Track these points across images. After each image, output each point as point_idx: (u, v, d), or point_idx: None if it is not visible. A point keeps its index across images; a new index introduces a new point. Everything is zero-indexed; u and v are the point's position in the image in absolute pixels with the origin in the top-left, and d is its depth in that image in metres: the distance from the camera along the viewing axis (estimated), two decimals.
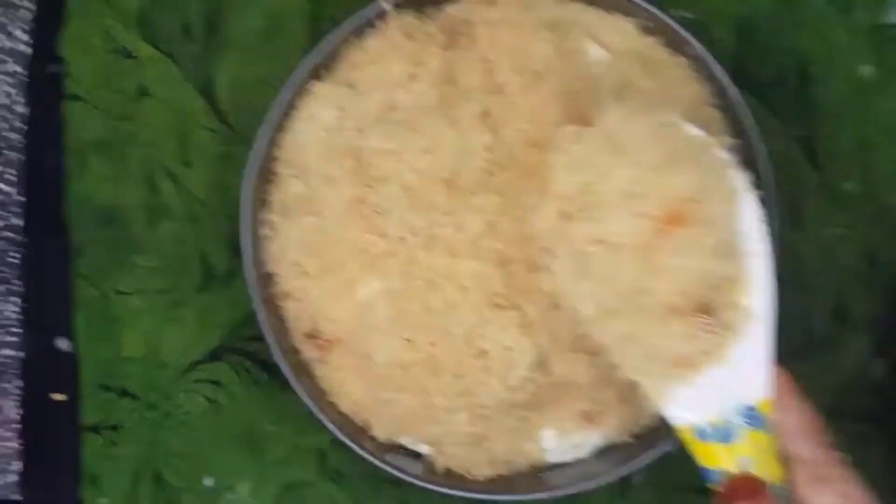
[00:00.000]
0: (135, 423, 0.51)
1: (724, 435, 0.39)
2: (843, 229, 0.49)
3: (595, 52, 0.46)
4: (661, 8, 0.45)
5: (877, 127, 0.49)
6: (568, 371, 0.44)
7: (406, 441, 0.47)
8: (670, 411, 0.40)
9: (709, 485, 0.39)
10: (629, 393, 0.44)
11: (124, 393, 0.51)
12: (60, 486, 0.51)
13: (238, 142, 0.51)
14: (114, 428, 0.51)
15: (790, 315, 0.48)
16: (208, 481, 0.51)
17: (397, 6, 0.45)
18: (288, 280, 0.46)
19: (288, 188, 0.46)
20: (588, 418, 0.46)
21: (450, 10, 0.46)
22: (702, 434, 0.39)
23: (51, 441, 0.51)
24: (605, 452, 0.46)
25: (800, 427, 0.39)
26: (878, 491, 0.47)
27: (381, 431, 0.46)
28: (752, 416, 0.39)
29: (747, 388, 0.39)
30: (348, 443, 0.45)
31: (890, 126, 0.49)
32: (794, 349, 0.49)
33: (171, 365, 0.51)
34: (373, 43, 0.46)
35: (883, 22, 0.48)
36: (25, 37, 0.52)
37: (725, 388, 0.39)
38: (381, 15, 0.45)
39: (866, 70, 0.49)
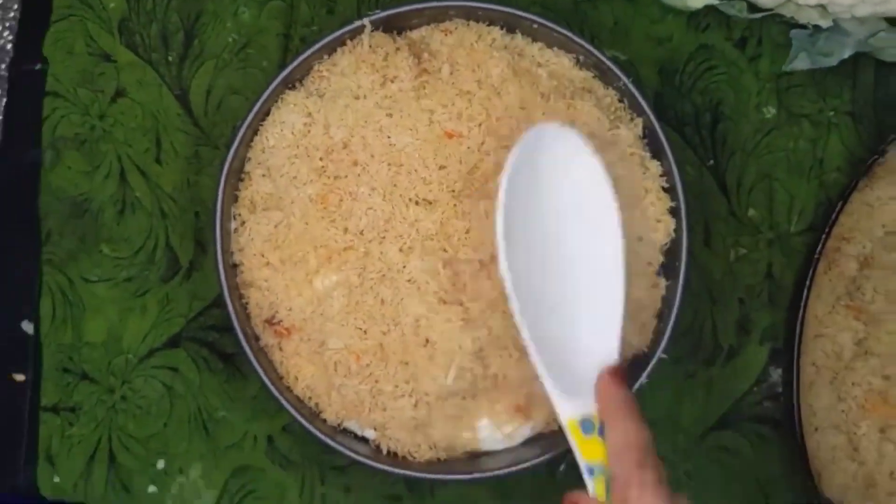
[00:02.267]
0: (92, 405, 0.53)
1: (602, 429, 0.41)
2: (747, 250, 0.55)
3: (543, 75, 0.50)
4: (595, 46, 0.50)
5: (777, 162, 0.55)
6: (503, 366, 0.48)
7: (353, 426, 0.50)
8: (560, 406, 0.43)
9: (586, 479, 0.41)
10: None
11: (84, 376, 0.53)
12: (16, 463, 0.53)
13: (209, 144, 0.55)
14: (72, 410, 0.53)
15: (701, 325, 0.54)
16: (160, 464, 0.53)
17: (371, 29, 0.50)
18: (252, 270, 0.49)
19: (257, 186, 0.50)
20: (520, 411, 0.49)
21: (412, 34, 0.51)
22: (585, 428, 0.42)
23: (9, 419, 0.53)
24: (535, 440, 0.50)
25: (618, 446, 0.39)
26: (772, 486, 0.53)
27: (331, 415, 0.49)
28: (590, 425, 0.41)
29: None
30: (304, 423, 0.48)
31: (788, 162, 0.55)
32: (706, 356, 0.54)
33: (131, 351, 0.54)
34: (344, 57, 0.50)
35: (784, 71, 0.55)
36: (10, 35, 0.55)
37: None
38: (353, 34, 0.50)
39: (769, 112, 0.56)
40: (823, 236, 0.52)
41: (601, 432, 0.41)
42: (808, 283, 0.52)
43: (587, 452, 0.41)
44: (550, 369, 0.43)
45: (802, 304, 0.52)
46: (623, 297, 0.45)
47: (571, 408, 0.42)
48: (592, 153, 0.45)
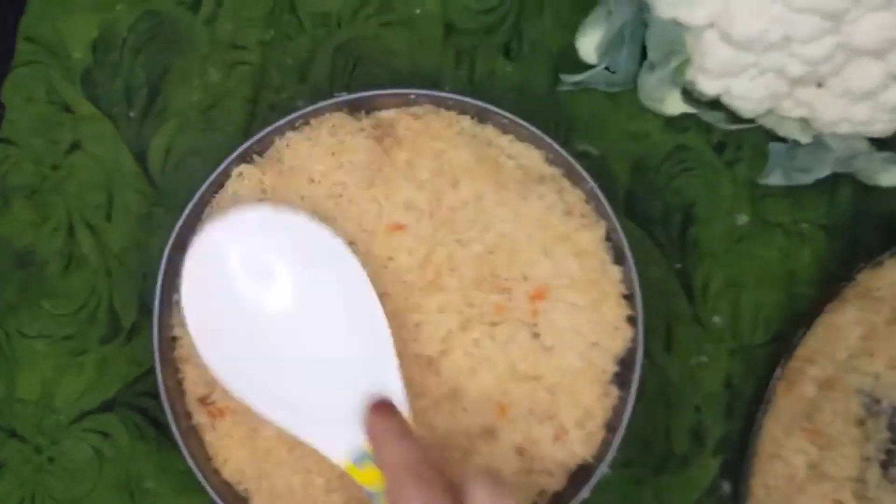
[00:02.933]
0: (18, 464, 0.52)
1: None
2: (707, 358, 0.54)
3: (510, 165, 0.50)
4: (564, 144, 0.49)
5: (745, 270, 0.54)
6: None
7: None
8: (332, 456, 0.43)
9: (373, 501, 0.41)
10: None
11: (13, 433, 0.52)
12: None
13: (163, 206, 0.53)
14: None
15: (654, 429, 0.53)
16: None
17: (336, 108, 0.49)
18: (190, 346, 0.47)
19: None
20: None
21: (381, 114, 0.50)
22: (358, 461, 0.42)
23: None
24: None
25: (391, 468, 0.40)
26: None
27: (260, 503, 0.48)
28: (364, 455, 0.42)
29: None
30: None
31: (757, 271, 0.54)
32: (656, 462, 0.53)
33: (63, 411, 0.52)
34: (304, 136, 0.49)
35: (760, 181, 0.54)
36: None
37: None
38: (316, 113, 0.49)
39: (742, 219, 0.54)
40: (785, 357, 0.51)
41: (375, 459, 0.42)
42: (763, 405, 0.50)
43: (368, 481, 0.42)
44: (304, 427, 0.44)
45: (757, 423, 0.50)
46: (384, 326, 0.44)
47: (341, 453, 0.43)
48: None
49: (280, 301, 0.44)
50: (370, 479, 0.42)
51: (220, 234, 0.44)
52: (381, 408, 0.43)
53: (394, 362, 0.44)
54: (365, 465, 0.42)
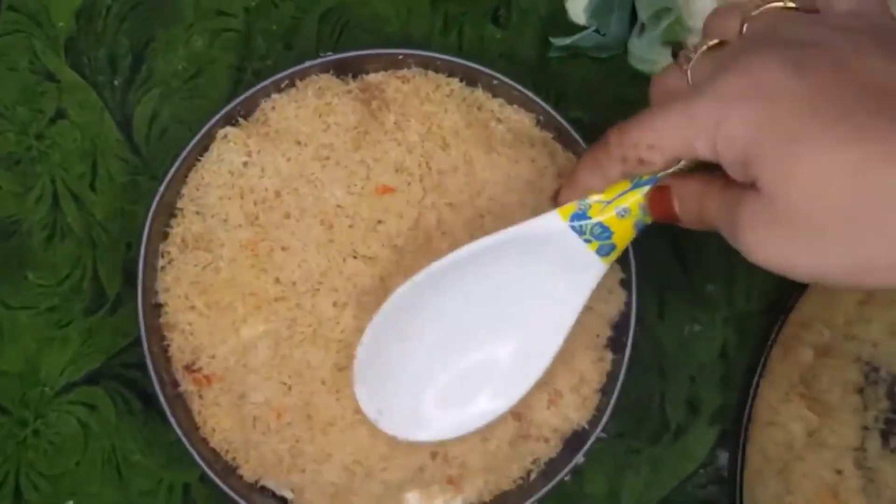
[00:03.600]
0: (2, 438, 0.51)
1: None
2: (702, 327, 0.53)
3: (501, 130, 0.49)
4: (555, 107, 0.48)
5: None
6: None
7: (271, 484, 0.48)
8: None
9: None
10: (494, 460, 0.47)
11: None
12: None
13: (147, 174, 0.52)
14: None
15: (649, 400, 0.52)
16: None
17: (322, 69, 0.48)
18: (176, 312, 0.47)
19: (188, 224, 0.47)
20: (452, 482, 0.47)
21: (369, 77, 0.49)
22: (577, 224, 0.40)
23: None
24: None
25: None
26: None
27: (248, 472, 0.47)
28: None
29: None
30: (215, 480, 0.46)
31: None
32: (652, 433, 0.52)
33: (48, 384, 0.51)
34: (290, 97, 0.48)
35: None
36: None
37: None
38: (304, 74, 0.48)
39: None
40: (780, 322, 0.50)
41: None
42: (759, 368, 0.50)
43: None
44: None
45: (752, 389, 0.50)
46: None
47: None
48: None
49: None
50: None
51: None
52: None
53: None
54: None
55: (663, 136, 0.35)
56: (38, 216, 0.52)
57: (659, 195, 0.39)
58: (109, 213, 0.52)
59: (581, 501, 0.51)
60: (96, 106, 0.53)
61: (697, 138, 0.33)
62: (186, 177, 0.48)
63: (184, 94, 0.53)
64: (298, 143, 0.47)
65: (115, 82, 0.53)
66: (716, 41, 0.36)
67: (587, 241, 0.41)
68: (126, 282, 0.51)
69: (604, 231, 0.41)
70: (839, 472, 0.50)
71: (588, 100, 0.54)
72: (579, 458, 0.47)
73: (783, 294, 0.53)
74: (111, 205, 0.52)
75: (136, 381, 0.51)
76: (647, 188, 0.39)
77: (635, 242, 0.48)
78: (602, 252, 0.42)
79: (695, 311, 0.53)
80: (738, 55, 0.33)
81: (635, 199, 0.40)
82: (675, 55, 0.50)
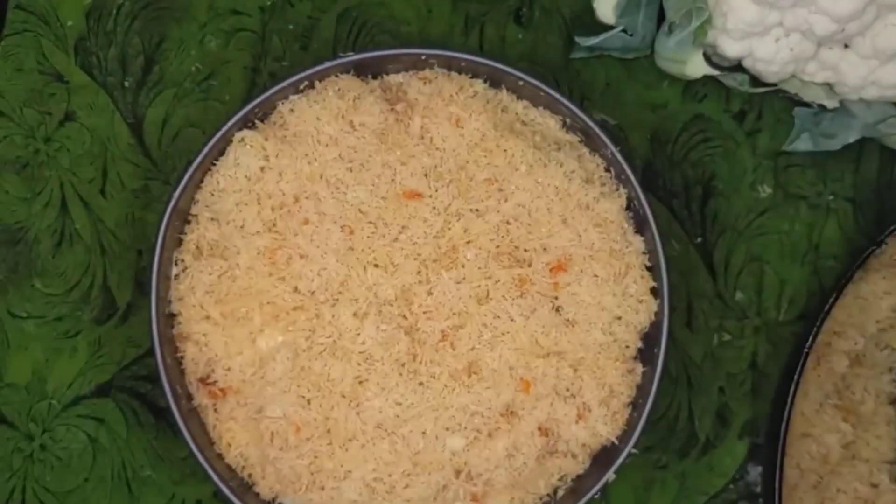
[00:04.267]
0: (8, 453, 0.49)
1: None
2: (731, 336, 0.51)
3: (527, 134, 0.47)
4: (583, 109, 0.47)
5: (769, 245, 0.52)
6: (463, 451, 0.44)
7: (288, 502, 0.46)
8: None
9: None
10: (519, 477, 0.45)
11: (2, 420, 0.49)
12: None
13: (159, 178, 0.51)
14: None
15: (677, 412, 0.50)
16: None
17: (343, 69, 0.46)
18: (190, 322, 0.45)
19: (203, 231, 0.46)
20: (476, 500, 0.46)
21: (389, 78, 0.48)
22: None
23: None
24: None
25: None
26: None
27: (265, 489, 0.45)
28: None
29: None
30: (231, 497, 0.44)
31: (781, 245, 0.52)
32: (679, 446, 0.50)
33: (56, 396, 0.49)
34: (310, 99, 0.46)
35: (784, 150, 0.52)
36: None
37: None
38: (322, 75, 0.46)
39: (765, 190, 0.52)
40: (815, 330, 0.48)
41: None
42: (795, 377, 0.48)
43: None
44: None
45: (789, 400, 0.48)
46: None
47: None
48: None
49: None
50: None
51: None
52: None
53: None
54: None
55: None
56: (45, 222, 0.50)
57: None
58: (120, 220, 0.50)
59: None
60: (106, 108, 0.51)
61: None
62: (201, 182, 0.46)
63: (197, 96, 0.51)
64: (319, 144, 0.45)
65: (126, 83, 0.51)
66: None
67: None
68: (137, 290, 0.50)
69: None
70: (875, 486, 0.48)
71: (613, 102, 0.52)
72: (610, 476, 0.45)
73: (814, 303, 0.51)
74: (122, 211, 0.50)
75: (146, 394, 0.49)
76: None
77: (663, 252, 0.46)
78: None
79: (723, 320, 0.51)
80: None
81: None
82: (708, 59, 0.49)
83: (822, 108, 0.50)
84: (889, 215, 0.52)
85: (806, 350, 0.48)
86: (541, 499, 0.46)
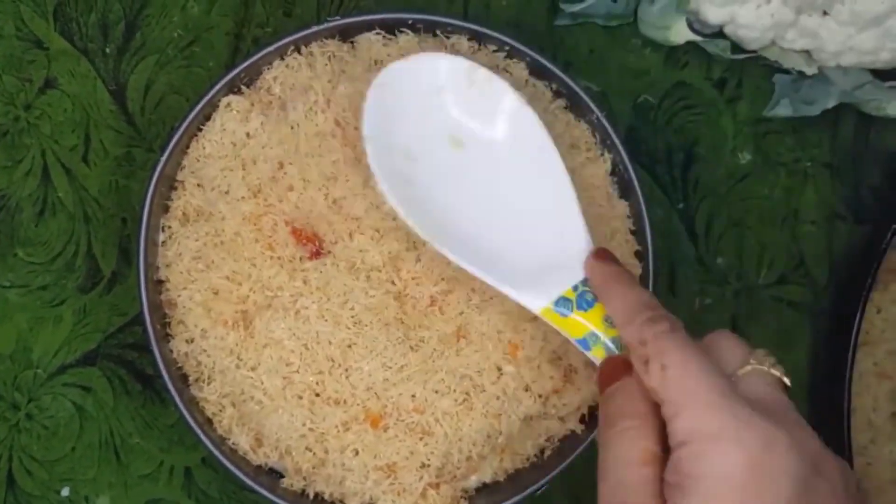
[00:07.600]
0: None
1: (581, 304, 0.40)
2: (712, 300, 0.52)
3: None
4: (568, 75, 0.47)
5: (749, 210, 0.53)
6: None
7: (278, 466, 0.46)
8: (528, 302, 0.41)
9: (586, 354, 0.40)
10: (508, 438, 0.45)
11: None
12: None
13: (142, 146, 0.50)
14: None
15: None
16: (65, 491, 0.49)
17: (329, 34, 0.46)
18: (178, 289, 0.45)
19: (189, 197, 0.45)
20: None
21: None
22: (561, 311, 0.40)
23: None
24: (480, 491, 0.47)
25: (620, 312, 0.38)
26: None
27: (255, 455, 0.45)
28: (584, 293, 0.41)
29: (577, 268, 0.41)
30: (225, 462, 0.44)
31: (761, 210, 0.53)
32: None
33: (41, 365, 0.49)
34: (296, 64, 0.46)
35: (763, 115, 0.52)
36: None
37: (566, 267, 0.41)
38: (308, 40, 0.46)
39: (745, 157, 0.53)
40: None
41: (579, 307, 0.40)
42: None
43: (573, 331, 0.40)
44: (500, 277, 0.42)
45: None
46: (574, 196, 0.43)
47: (538, 300, 0.41)
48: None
49: (468, 151, 0.43)
50: (575, 328, 0.40)
51: (408, 66, 0.43)
52: (604, 254, 0.41)
53: (581, 220, 0.42)
54: (568, 315, 0.40)
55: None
56: (27, 191, 0.50)
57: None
58: (103, 187, 0.50)
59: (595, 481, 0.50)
60: (88, 75, 0.50)
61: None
62: (187, 148, 0.46)
63: (180, 63, 0.51)
64: (309, 110, 0.45)
65: (108, 50, 0.51)
66: None
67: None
68: (122, 258, 0.50)
69: None
70: None
71: (596, 69, 0.53)
72: (596, 435, 0.46)
73: (791, 266, 0.52)
74: (105, 178, 0.50)
75: (133, 362, 0.49)
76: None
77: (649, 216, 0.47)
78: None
79: (705, 284, 0.52)
80: None
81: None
82: (690, 26, 0.50)
83: (802, 74, 0.51)
84: (864, 181, 0.53)
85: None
86: (528, 459, 0.47)
